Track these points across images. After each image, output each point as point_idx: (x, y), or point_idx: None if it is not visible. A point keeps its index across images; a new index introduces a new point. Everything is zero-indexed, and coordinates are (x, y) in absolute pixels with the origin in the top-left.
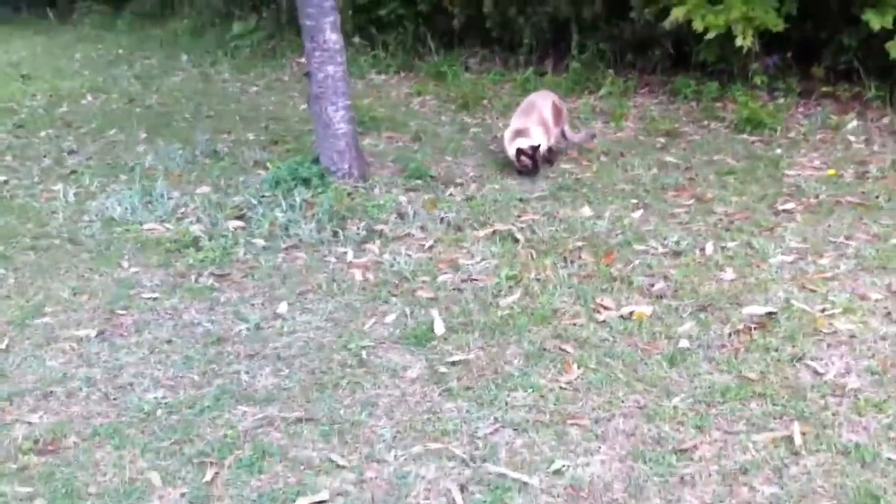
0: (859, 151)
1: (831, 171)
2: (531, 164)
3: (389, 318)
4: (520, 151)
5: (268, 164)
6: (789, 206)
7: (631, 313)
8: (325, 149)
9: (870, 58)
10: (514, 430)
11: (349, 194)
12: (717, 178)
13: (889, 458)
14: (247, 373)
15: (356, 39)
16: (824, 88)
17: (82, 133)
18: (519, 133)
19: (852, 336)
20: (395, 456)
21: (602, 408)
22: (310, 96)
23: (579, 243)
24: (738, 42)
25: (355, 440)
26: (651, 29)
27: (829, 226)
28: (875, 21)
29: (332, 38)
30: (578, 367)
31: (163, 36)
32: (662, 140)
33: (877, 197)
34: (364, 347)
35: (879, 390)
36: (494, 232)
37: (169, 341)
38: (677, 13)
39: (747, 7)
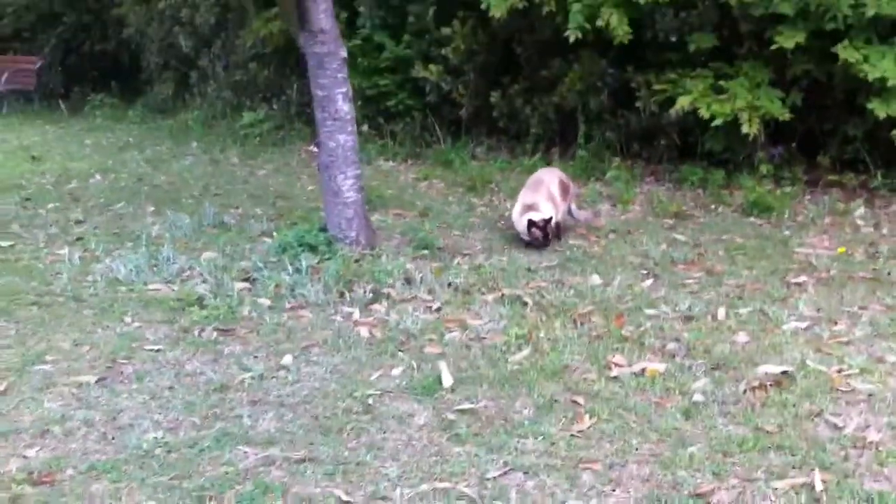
0: (869, 234)
1: (841, 249)
2: (542, 236)
3: (396, 371)
4: (531, 223)
5: (274, 234)
6: (801, 279)
7: (643, 370)
8: (333, 216)
9: (875, 147)
10: (525, 473)
11: (356, 261)
12: (727, 255)
13: None
14: (249, 416)
15: (365, 128)
16: (830, 177)
17: (90, 206)
18: (529, 207)
19: (871, 395)
20: (402, 494)
21: (615, 455)
22: (319, 165)
23: (589, 307)
24: (745, 130)
25: (360, 479)
26: (657, 119)
27: (842, 297)
28: (880, 110)
29: (344, 108)
30: (590, 418)
31: (174, 126)
32: (670, 221)
33: (888, 273)
34: (370, 396)
35: None
36: (503, 296)
37: (170, 388)
38: (683, 102)
39: (752, 96)
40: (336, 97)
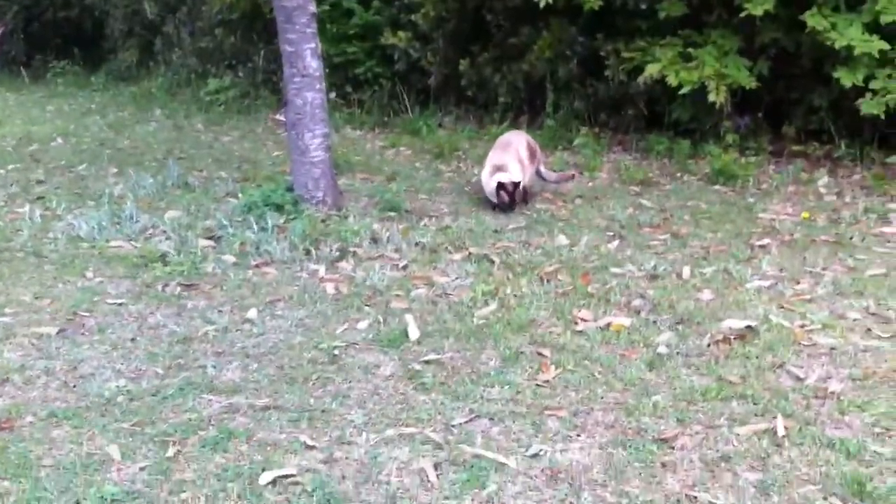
0: (831, 202)
1: (805, 214)
2: (509, 199)
3: (362, 325)
4: (500, 186)
5: (239, 195)
6: (764, 241)
7: (608, 325)
8: (300, 176)
9: (840, 117)
10: (490, 419)
11: (323, 221)
12: (692, 219)
13: (875, 451)
14: (213, 367)
15: (332, 96)
16: (795, 147)
17: (51, 167)
18: (498, 168)
19: (832, 348)
20: (367, 439)
21: (581, 402)
22: (286, 123)
23: (556, 266)
24: (711, 98)
25: (325, 426)
26: (625, 88)
27: (805, 258)
28: (847, 78)
29: (313, 64)
30: (556, 368)
31: (137, 93)
32: (637, 188)
33: (851, 238)
34: (336, 347)
35: (862, 393)
36: (470, 254)
37: (132, 339)
38: (651, 70)
39: (720, 64)
40: (304, 53)
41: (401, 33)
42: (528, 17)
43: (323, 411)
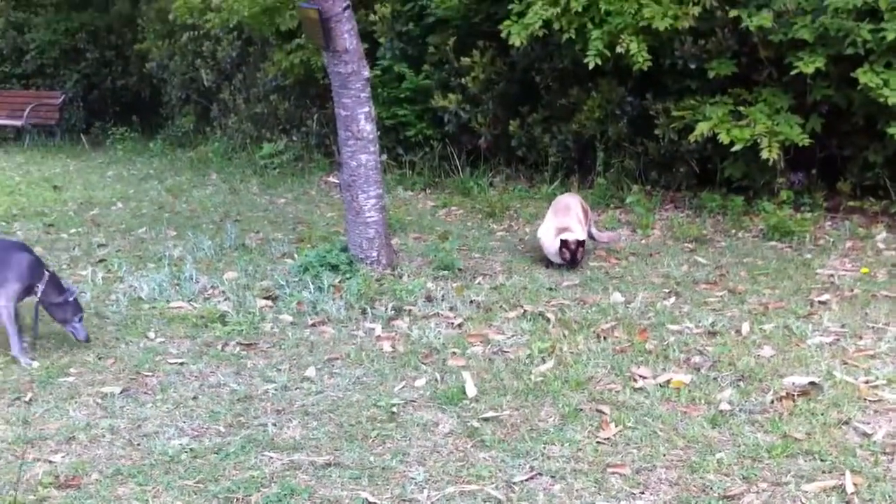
0: (891, 257)
1: (865, 269)
2: (570, 256)
3: (419, 382)
4: (564, 243)
5: (295, 255)
6: (824, 297)
7: (668, 381)
8: (355, 236)
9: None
10: (552, 477)
11: (377, 280)
12: (749, 275)
13: None
14: (274, 425)
15: (384, 158)
16: (851, 203)
17: (112, 231)
18: (562, 230)
19: None
20: (428, 496)
21: (643, 460)
22: (341, 185)
23: (612, 323)
24: (764, 155)
25: (386, 483)
26: (676, 146)
27: (867, 314)
28: None
29: (367, 127)
30: (616, 425)
31: (194, 158)
32: (691, 245)
33: None
34: (394, 405)
35: None
36: (525, 312)
37: (194, 398)
38: (702, 128)
39: (772, 122)
40: (358, 117)
41: (451, 96)
42: (577, 78)
43: (383, 468)
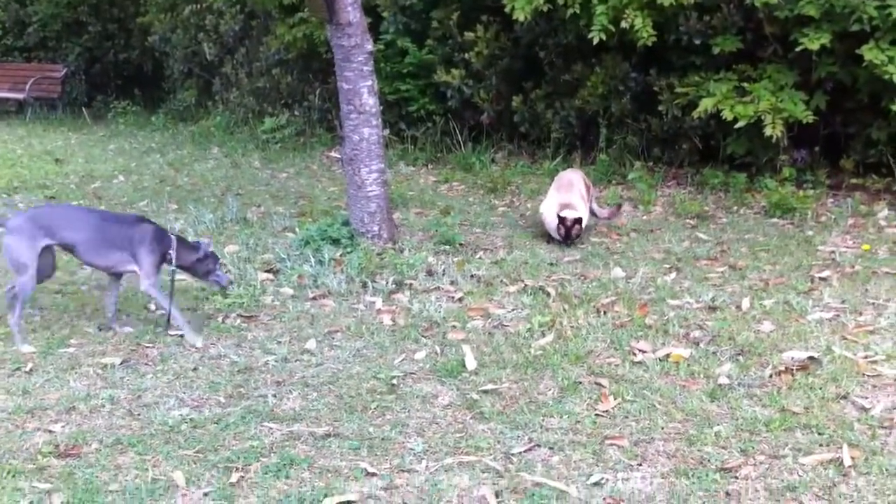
0: (893, 234)
1: (866, 246)
2: (566, 233)
3: (419, 355)
4: (562, 220)
5: (296, 229)
6: (825, 273)
7: (667, 355)
8: (356, 210)
9: None
10: (550, 448)
11: (379, 254)
12: (750, 252)
13: None
14: (274, 396)
15: (386, 133)
16: (853, 180)
17: (113, 204)
18: (565, 206)
19: None
20: (427, 466)
21: (641, 432)
22: (343, 159)
23: (612, 298)
24: (768, 132)
25: (385, 453)
26: (679, 123)
27: (867, 290)
28: None
29: (370, 101)
30: (615, 398)
31: (196, 131)
32: (692, 221)
33: None
34: (394, 377)
35: None
36: (525, 287)
37: (195, 369)
38: (706, 104)
39: (776, 99)
40: (361, 90)
41: (454, 71)
42: (580, 53)
43: (383, 439)
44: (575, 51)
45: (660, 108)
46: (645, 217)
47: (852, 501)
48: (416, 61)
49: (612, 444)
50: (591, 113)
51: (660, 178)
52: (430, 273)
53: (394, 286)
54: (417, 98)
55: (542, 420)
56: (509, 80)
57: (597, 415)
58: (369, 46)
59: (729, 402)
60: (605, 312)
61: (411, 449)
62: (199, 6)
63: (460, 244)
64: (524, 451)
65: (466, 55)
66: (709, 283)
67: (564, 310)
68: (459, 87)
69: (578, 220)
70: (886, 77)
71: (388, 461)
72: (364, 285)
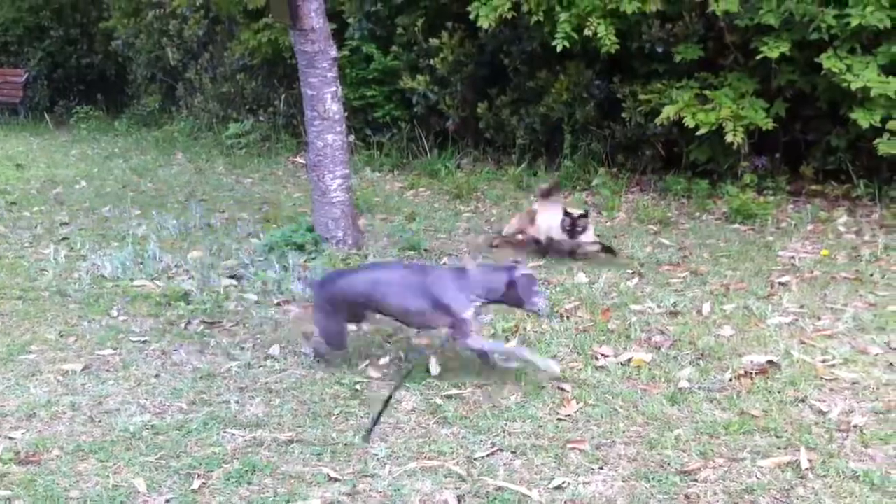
0: (851, 240)
1: (825, 252)
2: (572, 228)
3: (383, 361)
4: (568, 214)
5: (261, 235)
6: (784, 279)
7: (629, 360)
8: (321, 216)
9: (857, 157)
10: (513, 452)
11: (343, 260)
12: (711, 257)
13: None
14: (237, 402)
15: (351, 139)
16: (813, 187)
17: (75, 209)
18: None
19: (854, 383)
20: (390, 472)
21: (603, 436)
22: (308, 165)
23: (575, 303)
24: (729, 139)
25: (348, 459)
26: (642, 130)
27: (826, 295)
28: (863, 119)
29: (333, 107)
30: (577, 402)
31: (160, 137)
32: (655, 227)
33: (871, 275)
34: (358, 383)
35: (885, 426)
36: None
37: (157, 375)
38: (669, 111)
39: (737, 106)
40: (325, 96)
41: (419, 77)
42: (545, 61)
43: (346, 445)
44: (539, 58)
45: (623, 115)
46: (609, 223)
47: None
48: (381, 67)
49: (573, 448)
50: (555, 119)
51: (623, 184)
52: None
53: None
54: (383, 104)
55: (505, 424)
56: (474, 87)
57: (559, 419)
58: (333, 52)
59: (689, 406)
60: (568, 318)
61: (374, 454)
62: (162, 11)
63: (425, 250)
64: (486, 456)
65: (432, 61)
66: (670, 288)
67: (528, 315)
68: (425, 94)
69: (585, 215)
70: (844, 85)
71: (350, 467)
72: None
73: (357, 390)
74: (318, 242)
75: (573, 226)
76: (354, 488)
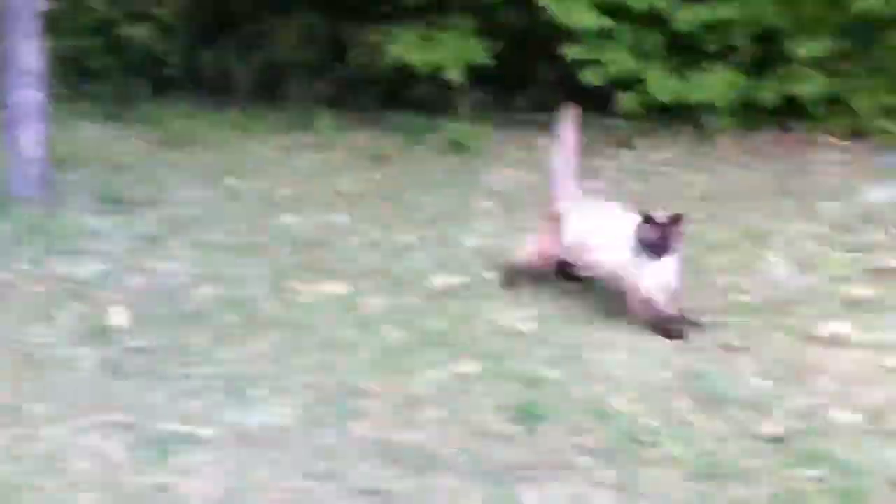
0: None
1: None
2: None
3: (65, 321)
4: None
5: None
6: (485, 204)
7: (323, 293)
8: (14, 175)
9: (564, 89)
10: (189, 396)
11: (36, 219)
12: (421, 189)
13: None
14: None
15: (64, 91)
16: (524, 117)
17: None
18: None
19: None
20: (57, 432)
21: (284, 369)
22: (4, 121)
23: (279, 243)
24: (450, 76)
25: (10, 423)
26: (365, 70)
27: (521, 217)
28: (570, 54)
29: (31, 61)
30: (266, 340)
31: None
32: (370, 163)
33: None
34: (35, 345)
35: (545, 328)
36: (192, 241)
37: None
38: (393, 52)
39: (458, 45)
40: (25, 50)
41: (140, 25)
42: (271, 4)
43: (11, 409)
44: (264, 2)
45: (349, 56)
46: (327, 163)
47: (470, 406)
48: (98, 15)
49: (252, 384)
50: (281, 63)
51: (346, 124)
52: (91, 234)
53: (49, 252)
54: (98, 52)
55: (189, 371)
56: (199, 33)
57: (244, 359)
58: (38, 4)
59: (377, 332)
60: (269, 258)
61: (40, 415)
62: None
63: (130, 202)
64: (163, 403)
65: (153, 9)
66: (378, 222)
67: (229, 259)
68: (145, 42)
69: (678, 219)
70: (558, 22)
71: (10, 431)
72: (13, 253)
73: (30, 354)
74: (3, 203)
75: (663, 239)
76: (9, 455)
